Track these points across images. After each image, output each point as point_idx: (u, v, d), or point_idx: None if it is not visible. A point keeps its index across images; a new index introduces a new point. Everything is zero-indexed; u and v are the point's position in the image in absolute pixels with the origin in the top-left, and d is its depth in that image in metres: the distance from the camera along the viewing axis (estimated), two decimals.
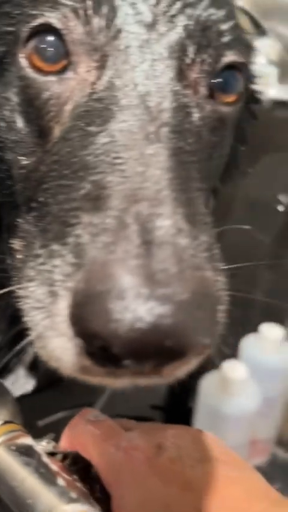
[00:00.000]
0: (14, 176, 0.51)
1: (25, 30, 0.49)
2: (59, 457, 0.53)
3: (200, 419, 1.12)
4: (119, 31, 0.46)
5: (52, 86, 0.48)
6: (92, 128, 0.44)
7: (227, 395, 1.07)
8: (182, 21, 0.47)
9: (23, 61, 0.49)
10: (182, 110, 0.46)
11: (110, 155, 0.41)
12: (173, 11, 0.47)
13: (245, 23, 1.23)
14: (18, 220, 0.50)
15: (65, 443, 0.54)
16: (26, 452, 0.48)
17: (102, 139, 0.43)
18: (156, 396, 1.05)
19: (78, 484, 0.48)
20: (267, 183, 1.19)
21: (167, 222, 0.36)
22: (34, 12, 0.48)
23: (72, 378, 0.40)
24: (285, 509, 0.47)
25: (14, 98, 0.50)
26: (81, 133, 0.44)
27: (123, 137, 0.42)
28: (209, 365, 1.03)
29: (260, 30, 1.30)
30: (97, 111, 0.44)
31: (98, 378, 0.38)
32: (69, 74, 0.48)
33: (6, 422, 0.51)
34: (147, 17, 0.47)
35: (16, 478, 0.46)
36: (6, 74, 0.51)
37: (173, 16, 0.47)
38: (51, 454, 0.51)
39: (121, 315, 0.32)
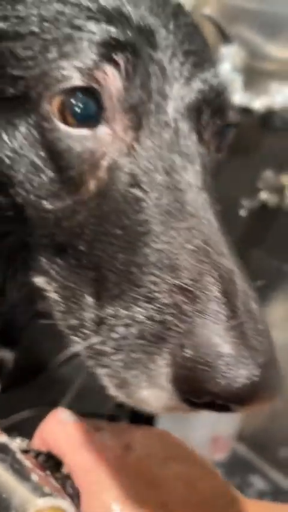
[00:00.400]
0: (32, 217, 0.49)
1: (54, 90, 0.46)
2: (32, 454, 0.55)
3: (163, 417, 1.14)
4: (150, 92, 0.47)
5: (85, 140, 0.47)
6: (139, 193, 0.46)
7: None
8: (197, 85, 0.50)
9: (50, 110, 0.47)
10: (205, 170, 0.49)
11: (169, 225, 0.44)
12: (185, 71, 0.49)
13: (211, 30, 1.25)
14: (39, 258, 0.50)
15: (38, 442, 0.56)
16: (0, 449, 0.50)
17: (153, 208, 0.45)
18: None
19: (51, 480, 0.50)
20: (230, 188, 1.22)
21: (243, 293, 0.42)
22: (66, 69, 0.46)
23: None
24: (241, 506, 0.51)
25: (36, 144, 0.48)
26: (125, 194, 0.46)
27: (176, 205, 0.45)
28: None
29: (226, 38, 1.32)
30: (140, 175, 0.46)
31: (182, 411, 0.43)
32: (103, 129, 0.47)
33: None
34: (168, 77, 0.48)
35: None
36: (21, 112, 0.48)
37: (188, 79, 0.50)
38: (25, 452, 0.54)
39: (233, 378, 0.38)
